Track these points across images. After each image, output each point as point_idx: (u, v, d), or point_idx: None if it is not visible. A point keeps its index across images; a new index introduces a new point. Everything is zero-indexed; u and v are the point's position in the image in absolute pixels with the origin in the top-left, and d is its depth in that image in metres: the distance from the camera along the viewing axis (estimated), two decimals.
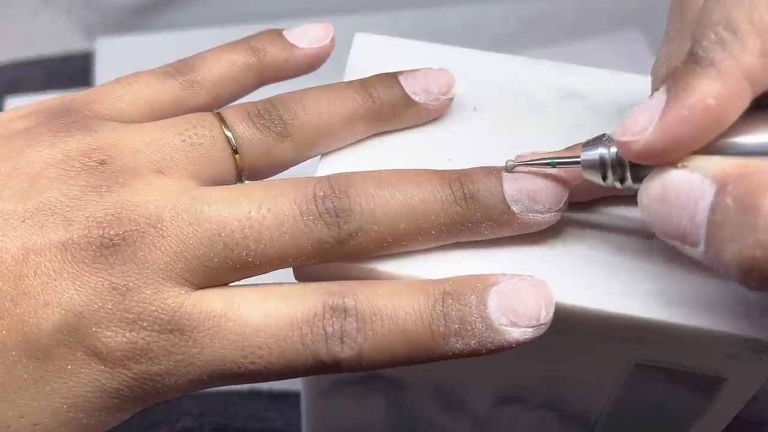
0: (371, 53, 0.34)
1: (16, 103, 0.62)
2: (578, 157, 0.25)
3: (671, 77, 0.23)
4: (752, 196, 0.20)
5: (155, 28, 0.69)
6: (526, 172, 0.27)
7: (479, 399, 0.33)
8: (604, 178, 0.25)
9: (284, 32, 0.32)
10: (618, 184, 0.25)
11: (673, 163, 0.23)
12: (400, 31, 0.69)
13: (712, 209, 0.21)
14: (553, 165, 0.26)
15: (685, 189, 0.22)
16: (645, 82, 0.29)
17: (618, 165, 0.25)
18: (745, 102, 0.22)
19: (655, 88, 0.25)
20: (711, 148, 0.22)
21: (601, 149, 0.25)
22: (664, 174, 0.23)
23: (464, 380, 0.32)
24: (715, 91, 0.22)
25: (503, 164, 0.27)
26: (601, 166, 0.25)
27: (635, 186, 0.24)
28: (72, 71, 0.67)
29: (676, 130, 0.22)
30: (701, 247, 0.22)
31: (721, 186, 0.21)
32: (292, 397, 0.47)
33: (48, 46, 0.69)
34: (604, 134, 0.25)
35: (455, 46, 0.34)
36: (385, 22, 0.69)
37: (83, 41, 0.70)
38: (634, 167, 0.24)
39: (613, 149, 0.25)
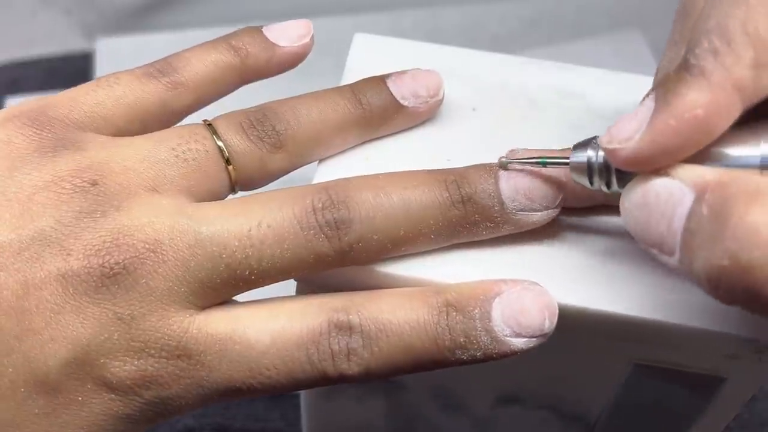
0: (371, 53, 0.34)
1: (16, 103, 0.62)
2: (567, 158, 0.26)
3: (661, 84, 0.22)
4: (725, 204, 0.20)
5: (155, 28, 0.69)
6: (521, 170, 0.27)
7: (479, 399, 0.33)
8: (591, 181, 0.25)
9: (264, 30, 0.31)
10: (604, 188, 0.25)
11: (657, 171, 0.22)
12: (400, 31, 0.69)
13: (689, 217, 0.21)
14: (544, 164, 0.26)
15: (665, 195, 0.22)
16: (645, 81, 0.29)
17: (604, 169, 0.25)
18: (735, 114, 0.22)
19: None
20: (699, 157, 0.22)
21: (590, 152, 0.25)
22: (646, 180, 0.23)
23: (464, 381, 0.32)
24: (703, 102, 0.21)
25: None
26: (588, 169, 0.25)
27: (621, 190, 0.24)
28: (72, 71, 0.67)
29: (663, 139, 0.22)
30: (676, 255, 0.22)
31: (699, 194, 0.21)
32: (292, 397, 0.47)
33: (48, 46, 0.69)
34: (595, 137, 0.25)
35: (455, 46, 0.34)
36: (385, 22, 0.69)
37: (83, 41, 0.70)
38: (620, 172, 0.24)
39: (602, 153, 0.25)
